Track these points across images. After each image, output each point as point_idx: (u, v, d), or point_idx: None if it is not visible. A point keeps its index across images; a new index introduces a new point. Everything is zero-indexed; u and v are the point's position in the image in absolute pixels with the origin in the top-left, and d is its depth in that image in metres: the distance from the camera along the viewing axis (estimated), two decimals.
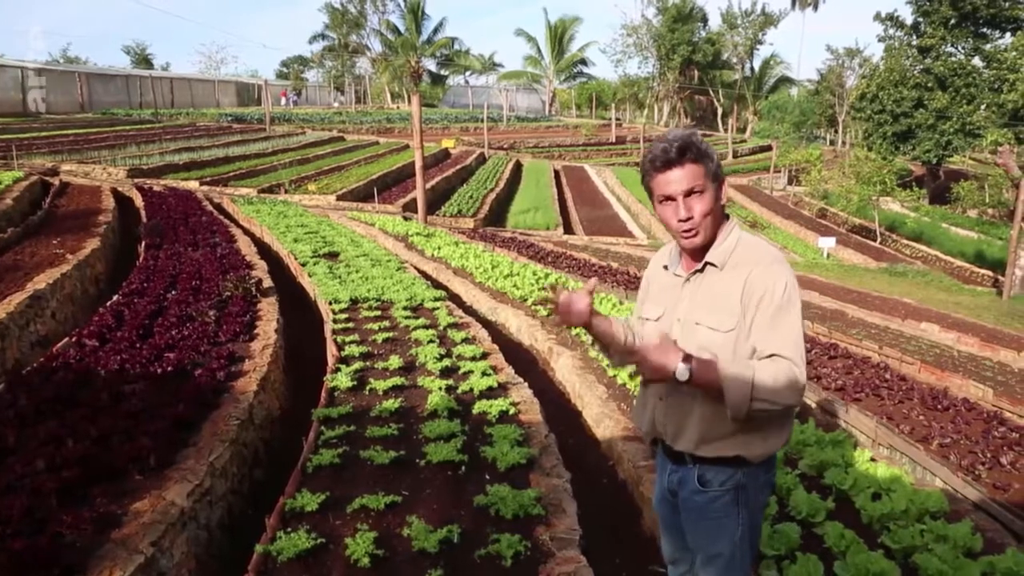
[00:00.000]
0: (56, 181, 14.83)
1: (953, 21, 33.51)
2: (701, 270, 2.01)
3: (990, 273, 21.05)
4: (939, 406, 5.45)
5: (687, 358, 1.81)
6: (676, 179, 1.90)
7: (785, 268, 1.93)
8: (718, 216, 1.97)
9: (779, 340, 1.85)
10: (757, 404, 1.81)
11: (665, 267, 2.13)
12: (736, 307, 1.91)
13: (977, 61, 34.05)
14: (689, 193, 1.91)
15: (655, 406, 2.10)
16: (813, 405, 5.36)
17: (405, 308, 7.00)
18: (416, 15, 54.82)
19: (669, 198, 1.93)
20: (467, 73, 65.74)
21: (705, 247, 1.99)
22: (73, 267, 7.85)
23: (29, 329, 6.36)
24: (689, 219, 1.92)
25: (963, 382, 6.33)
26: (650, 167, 1.94)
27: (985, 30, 33.88)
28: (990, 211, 30.25)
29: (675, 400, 2.03)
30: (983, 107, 33.28)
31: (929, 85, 33.95)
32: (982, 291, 18.34)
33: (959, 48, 34.56)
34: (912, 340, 8.68)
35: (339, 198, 18.39)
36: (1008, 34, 33.47)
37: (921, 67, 34.81)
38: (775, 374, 1.80)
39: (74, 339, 5.50)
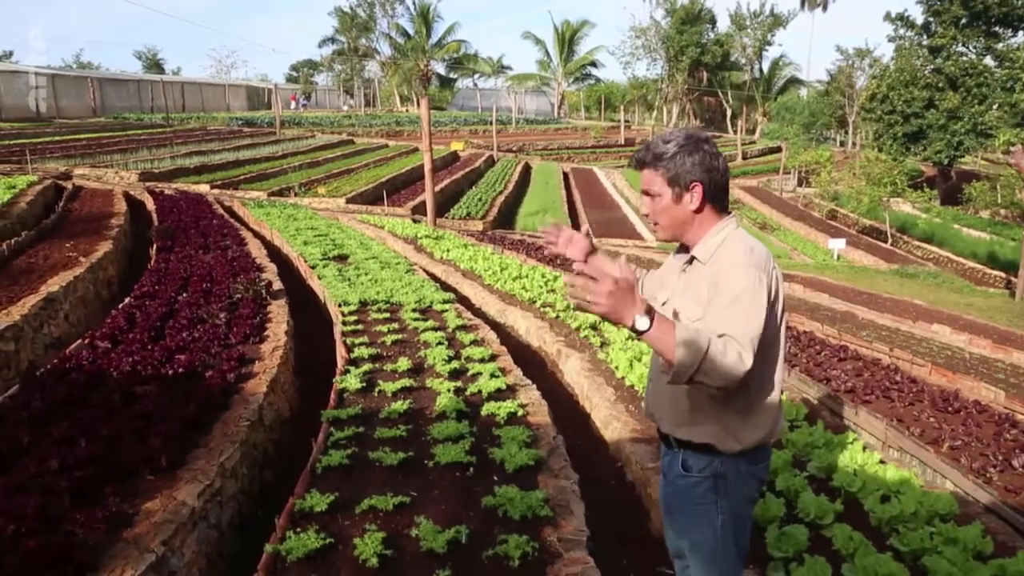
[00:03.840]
0: (69, 185, 14.97)
1: (964, 20, 33.28)
2: (690, 262, 2.11)
3: (1003, 274, 20.86)
4: (950, 408, 5.42)
5: (650, 310, 1.75)
6: (641, 180, 2.12)
7: (754, 270, 1.92)
8: (678, 217, 2.06)
9: (730, 323, 1.84)
10: (699, 376, 1.76)
11: (674, 254, 2.24)
12: (704, 297, 1.98)
13: (989, 60, 33.79)
14: (647, 193, 2.10)
15: (648, 388, 2.23)
16: (820, 406, 5.34)
17: (414, 310, 7.03)
18: (426, 18, 54.95)
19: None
20: (476, 76, 65.83)
21: (679, 240, 2.12)
22: (86, 270, 7.92)
23: (43, 331, 6.42)
24: (647, 215, 2.13)
25: (975, 384, 6.29)
26: (630, 165, 2.10)
27: (997, 29, 33.60)
28: (1003, 212, 30.01)
29: (657, 380, 2.14)
30: (995, 107, 33.02)
31: (940, 85, 33.74)
32: (994, 292, 18.20)
33: (970, 47, 34.31)
34: (923, 342, 8.63)
35: (349, 201, 18.47)
36: (1020, 33, 33.23)
37: (932, 67, 34.59)
38: (723, 353, 1.77)
39: (87, 341, 5.56)
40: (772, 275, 1.99)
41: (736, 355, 1.79)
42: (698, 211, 2.05)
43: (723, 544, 2.09)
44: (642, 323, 1.72)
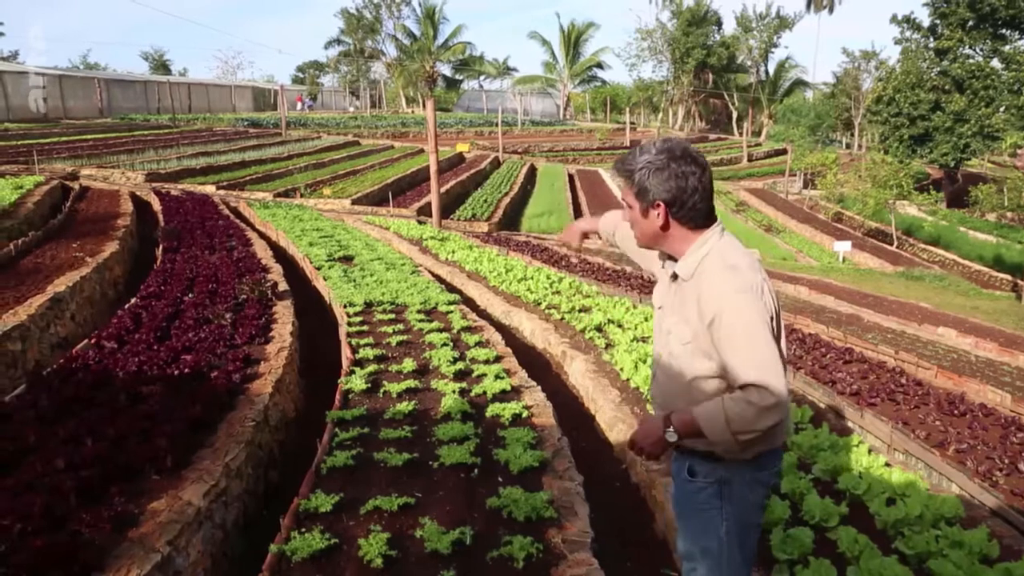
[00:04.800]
0: (76, 185, 15.03)
1: (971, 23, 33.19)
2: (674, 278, 2.08)
3: (1009, 277, 20.81)
4: (956, 411, 5.40)
5: (667, 421, 2.00)
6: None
7: (733, 294, 1.91)
8: (647, 230, 2.07)
9: (741, 367, 1.90)
10: (742, 436, 1.90)
11: (659, 258, 2.22)
12: (693, 320, 1.98)
13: (996, 63, 33.71)
14: (625, 199, 2.10)
15: (653, 394, 2.27)
16: (826, 409, 5.33)
17: (419, 311, 7.03)
18: (432, 20, 55.03)
19: None
20: (481, 77, 65.92)
21: (671, 252, 2.09)
22: (92, 270, 7.95)
23: (49, 331, 6.45)
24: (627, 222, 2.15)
25: (981, 387, 6.26)
26: None
27: (1004, 31, 33.50)
28: (1009, 214, 29.92)
29: (660, 386, 2.19)
30: (1002, 109, 32.94)
31: (946, 87, 33.66)
32: (1001, 295, 18.14)
33: (977, 50, 34.23)
34: (929, 345, 8.61)
35: (354, 202, 18.50)
36: None
37: (938, 69, 34.53)
38: (742, 407, 1.87)
39: (93, 341, 5.57)
40: (762, 289, 1.93)
41: (756, 400, 1.86)
42: (664, 228, 2.02)
43: (728, 550, 2.09)
44: (671, 436, 1.99)
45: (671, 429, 1.98)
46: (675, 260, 2.09)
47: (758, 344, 1.88)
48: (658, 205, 1.99)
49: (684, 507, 2.18)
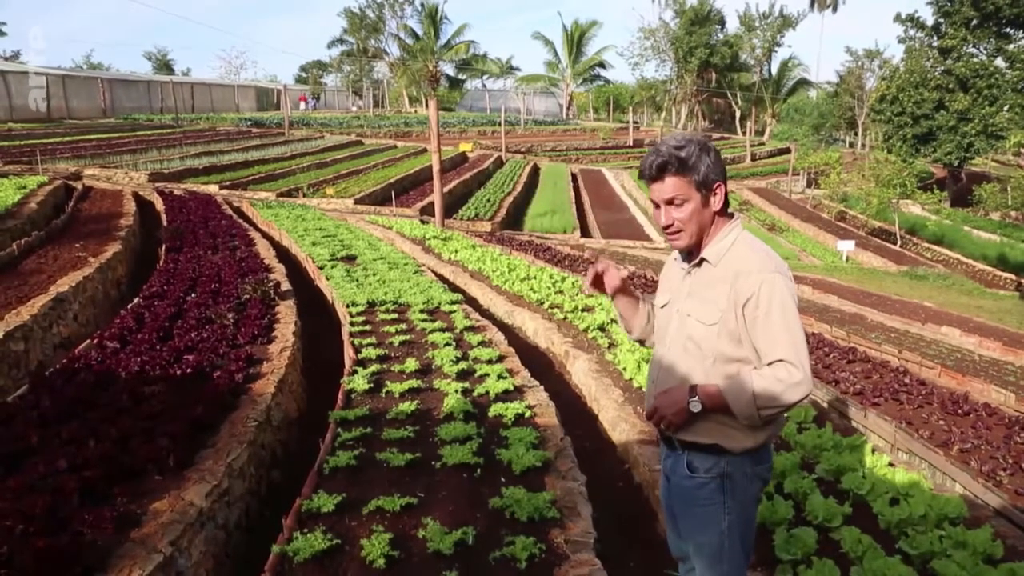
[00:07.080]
0: (79, 185, 15.04)
1: (975, 21, 33.11)
2: (698, 264, 2.11)
3: (1013, 276, 20.77)
4: (959, 411, 5.39)
5: (692, 391, 2.03)
6: (659, 190, 2.07)
7: (771, 274, 1.98)
8: (705, 220, 2.07)
9: (774, 343, 1.96)
10: (765, 411, 1.95)
11: (675, 259, 2.25)
12: (722, 303, 2.02)
13: (1000, 62, 33.62)
14: (671, 202, 2.05)
15: (650, 389, 2.25)
16: (829, 408, 5.32)
17: (422, 311, 7.03)
18: (434, 20, 55.01)
19: (656, 204, 2.10)
20: (484, 77, 65.89)
21: (696, 246, 2.10)
22: (95, 270, 7.96)
23: (52, 331, 6.46)
24: (669, 225, 2.08)
25: (984, 387, 6.25)
26: (641, 176, 2.12)
27: (1008, 30, 33.40)
28: (1013, 213, 29.86)
29: (660, 384, 2.18)
30: (1006, 108, 32.85)
31: (950, 86, 33.58)
32: (1005, 295, 18.10)
33: (981, 49, 34.15)
34: (932, 344, 8.59)
35: (357, 202, 18.50)
36: None
37: (942, 68, 34.44)
38: (770, 381, 1.93)
39: (96, 341, 5.58)
40: (790, 275, 2.03)
41: (785, 376, 1.91)
42: (719, 212, 2.08)
43: (729, 544, 2.10)
44: (696, 406, 2.02)
45: (696, 399, 2.02)
46: (687, 259, 2.14)
47: (791, 324, 1.96)
48: (719, 186, 2.05)
49: (682, 503, 2.18)
